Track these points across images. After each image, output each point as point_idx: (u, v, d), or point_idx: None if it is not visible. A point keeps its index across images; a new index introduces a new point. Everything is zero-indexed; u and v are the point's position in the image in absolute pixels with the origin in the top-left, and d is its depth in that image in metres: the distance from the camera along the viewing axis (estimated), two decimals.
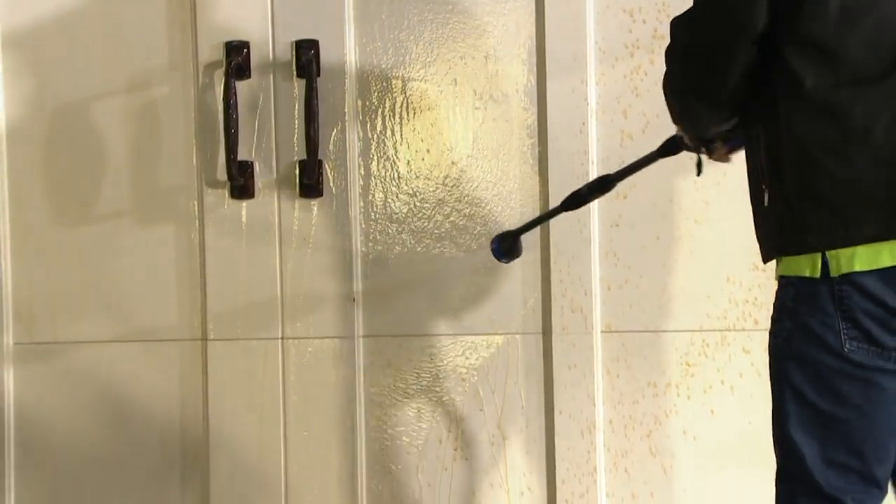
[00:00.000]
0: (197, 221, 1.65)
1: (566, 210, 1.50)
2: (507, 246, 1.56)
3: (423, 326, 1.66)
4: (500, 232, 1.56)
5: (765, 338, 1.63)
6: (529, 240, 1.65)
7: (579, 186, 1.48)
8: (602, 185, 1.46)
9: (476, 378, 1.66)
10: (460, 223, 1.66)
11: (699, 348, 1.64)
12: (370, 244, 1.66)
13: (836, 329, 1.09)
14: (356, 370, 1.65)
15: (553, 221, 1.62)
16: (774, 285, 1.64)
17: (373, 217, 1.66)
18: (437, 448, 1.66)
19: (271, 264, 1.64)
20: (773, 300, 1.63)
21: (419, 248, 1.66)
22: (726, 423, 1.63)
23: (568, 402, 1.63)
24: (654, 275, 1.64)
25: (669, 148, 1.37)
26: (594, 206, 1.63)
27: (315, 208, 1.64)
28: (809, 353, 1.12)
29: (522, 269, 1.65)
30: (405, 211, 1.66)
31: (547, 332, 1.64)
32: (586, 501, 1.63)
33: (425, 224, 1.66)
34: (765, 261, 1.22)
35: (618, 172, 1.44)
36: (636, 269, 1.65)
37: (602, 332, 1.64)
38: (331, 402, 1.65)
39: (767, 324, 1.63)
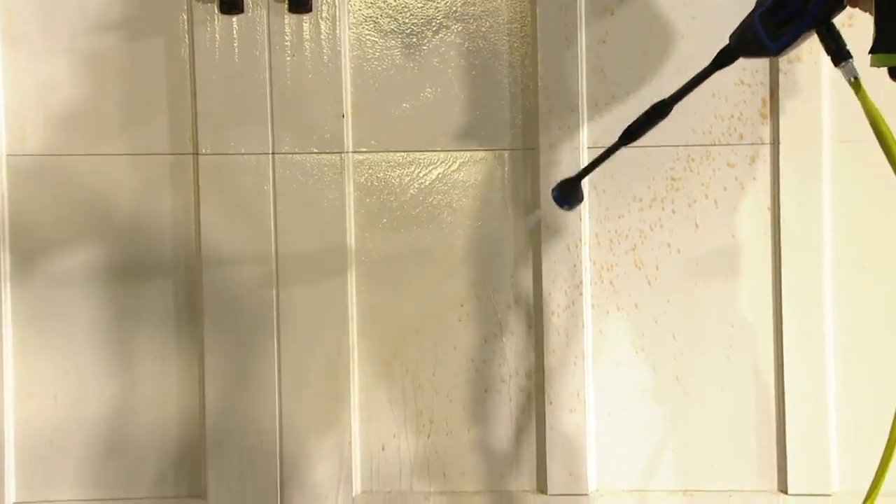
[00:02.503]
0: (187, 36, 1.65)
1: (625, 144, 1.45)
2: (568, 192, 1.50)
3: (412, 142, 1.67)
4: (561, 180, 1.49)
5: (748, 152, 1.67)
6: (516, 58, 1.66)
7: (634, 119, 1.42)
8: (659, 112, 1.41)
9: (464, 193, 1.68)
10: (448, 39, 1.67)
11: (684, 163, 1.66)
12: (359, 60, 1.67)
13: None
14: (345, 185, 1.66)
15: (540, 38, 1.64)
16: (759, 102, 1.67)
17: (362, 32, 1.67)
18: (427, 261, 1.68)
19: (261, 79, 1.65)
20: (757, 116, 1.66)
21: (408, 64, 1.67)
22: (710, 236, 1.66)
23: (554, 217, 1.65)
24: (641, 91, 1.65)
25: (723, 60, 1.35)
26: (581, 23, 1.65)
27: (305, 24, 1.65)
28: None
29: (510, 85, 1.66)
30: (394, 27, 1.67)
31: (534, 148, 1.65)
32: (572, 313, 1.66)
33: (414, 40, 1.67)
34: None
35: (672, 96, 1.40)
36: (623, 86, 1.66)
37: (589, 147, 1.66)
38: (321, 217, 1.66)
39: (752, 139, 1.67)
